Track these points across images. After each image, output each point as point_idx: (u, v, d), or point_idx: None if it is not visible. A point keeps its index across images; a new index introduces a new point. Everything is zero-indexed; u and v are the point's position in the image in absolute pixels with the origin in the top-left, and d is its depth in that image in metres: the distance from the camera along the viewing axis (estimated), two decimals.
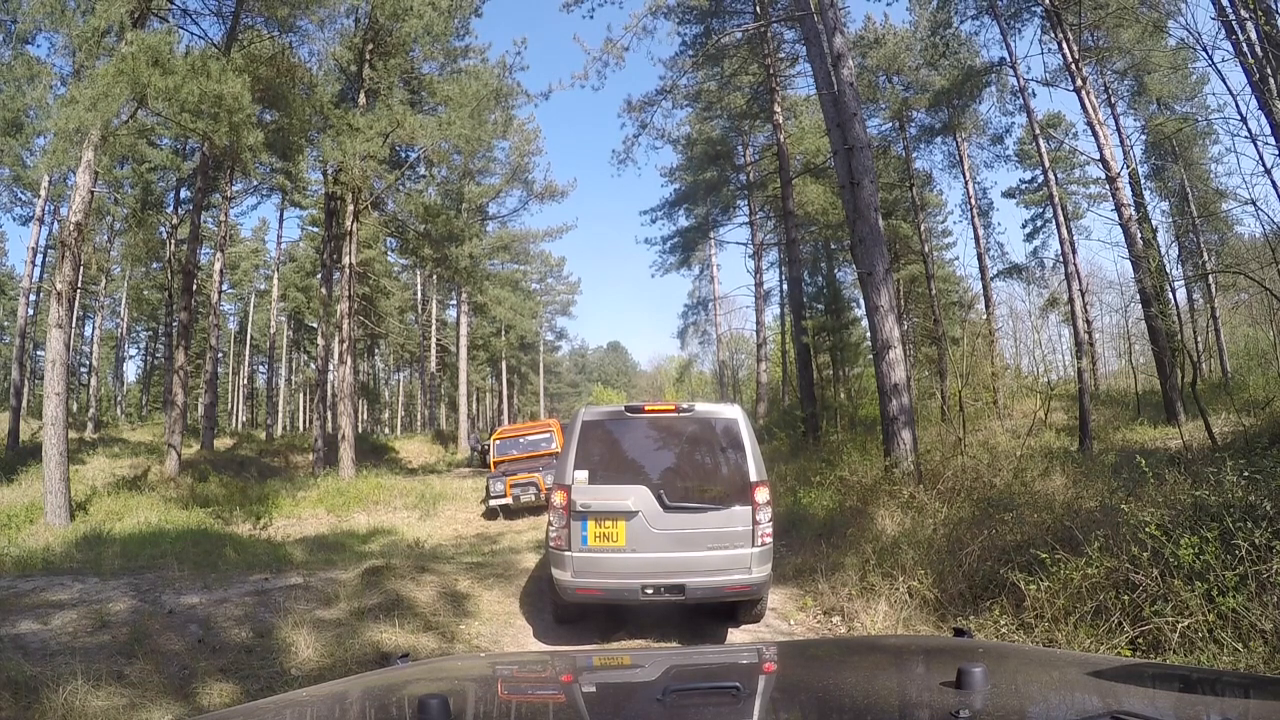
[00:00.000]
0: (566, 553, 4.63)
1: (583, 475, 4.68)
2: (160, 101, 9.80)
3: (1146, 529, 3.13)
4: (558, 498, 4.70)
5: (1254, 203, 8.71)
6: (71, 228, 11.23)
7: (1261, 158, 7.07)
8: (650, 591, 4.52)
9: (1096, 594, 3.21)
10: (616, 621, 5.04)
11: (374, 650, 4.15)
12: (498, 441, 12.94)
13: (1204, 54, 7.39)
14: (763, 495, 4.66)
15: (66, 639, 4.48)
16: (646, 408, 4.96)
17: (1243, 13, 9.76)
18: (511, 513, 11.09)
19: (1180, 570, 3.01)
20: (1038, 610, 3.36)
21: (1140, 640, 2.97)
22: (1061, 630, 3.18)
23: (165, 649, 4.17)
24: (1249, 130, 7.06)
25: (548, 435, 12.62)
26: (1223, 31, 9.83)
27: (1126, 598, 3.06)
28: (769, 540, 4.68)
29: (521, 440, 12.79)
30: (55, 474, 10.43)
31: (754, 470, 4.69)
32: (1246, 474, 3.63)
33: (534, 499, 10.92)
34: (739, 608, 5.06)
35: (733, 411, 4.93)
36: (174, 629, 4.52)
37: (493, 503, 11.26)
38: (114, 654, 4.06)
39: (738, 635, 5.07)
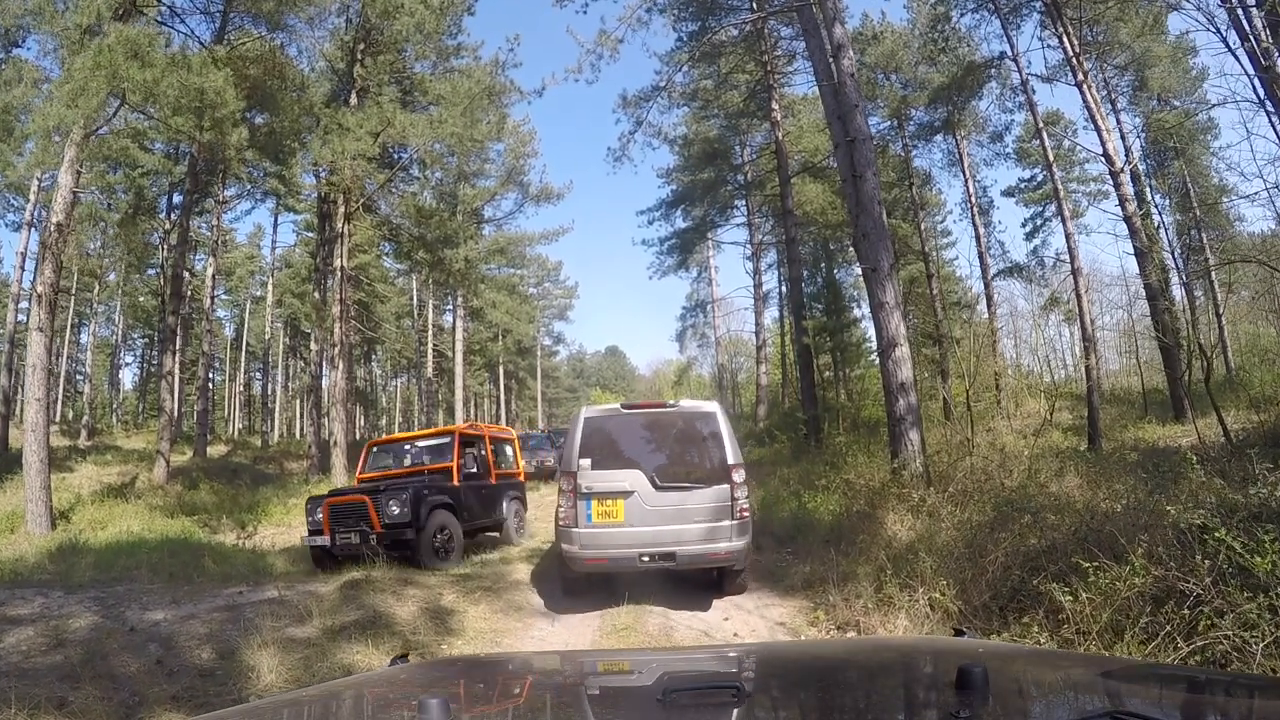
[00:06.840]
0: (574, 529, 5.32)
1: (586, 462, 5.37)
2: (139, 96, 9.49)
3: (1214, 534, 2.76)
4: (565, 482, 5.43)
5: (1270, 189, 8.39)
6: (53, 228, 10.93)
7: None
8: (646, 559, 5.22)
9: (1144, 606, 2.87)
10: (615, 594, 5.44)
11: (343, 674, 3.80)
12: (374, 450, 9.66)
13: (1216, 33, 7.11)
14: (739, 476, 5.37)
15: (17, 659, 4.14)
16: (638, 405, 5.83)
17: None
18: (333, 562, 7.24)
19: (1235, 578, 2.69)
20: (1079, 625, 3.01)
21: (1197, 657, 2.63)
22: (1114, 648, 2.82)
23: (118, 671, 3.83)
24: (1267, 110, 6.76)
25: (444, 443, 8.96)
26: (1229, 24, 9.60)
27: (1186, 612, 2.71)
28: (746, 514, 5.40)
29: (409, 449, 9.37)
30: (36, 481, 10.15)
31: (731, 455, 5.41)
32: None
33: (358, 543, 7.07)
34: (724, 579, 5.77)
35: (711, 406, 5.76)
36: (132, 649, 4.17)
37: (307, 541, 7.63)
38: (62, 677, 3.72)
39: (722, 605, 5.54)
